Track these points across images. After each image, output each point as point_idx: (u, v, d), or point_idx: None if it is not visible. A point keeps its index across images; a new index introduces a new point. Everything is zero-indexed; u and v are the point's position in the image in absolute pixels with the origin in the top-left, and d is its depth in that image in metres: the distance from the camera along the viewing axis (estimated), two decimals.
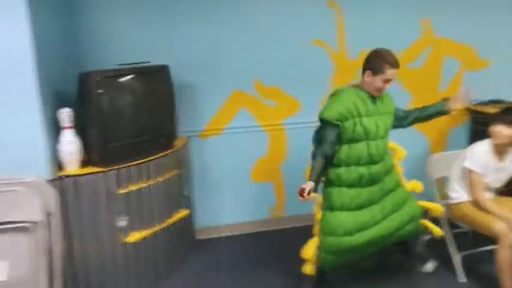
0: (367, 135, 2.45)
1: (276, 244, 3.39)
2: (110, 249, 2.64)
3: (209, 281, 2.92)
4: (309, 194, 2.34)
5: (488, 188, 2.68)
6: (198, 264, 3.13)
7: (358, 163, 2.47)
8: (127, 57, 2.78)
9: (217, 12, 3.19)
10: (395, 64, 2.39)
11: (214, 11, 3.18)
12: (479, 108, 3.47)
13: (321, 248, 2.52)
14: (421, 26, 3.47)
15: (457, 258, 2.79)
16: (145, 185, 2.73)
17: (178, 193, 3.07)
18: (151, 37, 3.12)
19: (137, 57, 2.81)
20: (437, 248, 2.90)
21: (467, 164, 2.62)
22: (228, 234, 3.56)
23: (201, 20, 3.18)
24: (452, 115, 3.59)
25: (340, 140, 2.46)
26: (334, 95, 2.55)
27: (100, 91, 2.52)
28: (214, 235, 3.54)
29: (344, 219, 2.46)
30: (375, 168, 2.51)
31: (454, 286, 2.72)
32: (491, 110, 3.26)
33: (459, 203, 2.71)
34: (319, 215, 2.58)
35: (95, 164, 2.61)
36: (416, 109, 2.78)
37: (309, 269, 2.58)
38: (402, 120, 2.72)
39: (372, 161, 2.49)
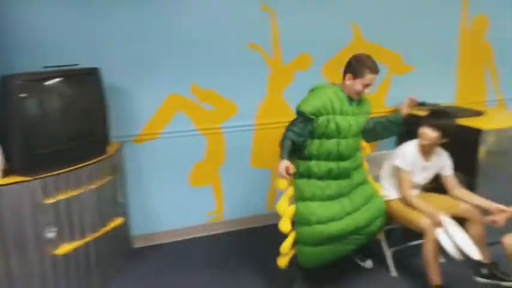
0: (338, 133, 2.53)
1: (215, 248, 3.37)
2: (38, 264, 2.48)
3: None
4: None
5: (415, 186, 2.85)
6: (135, 273, 3.03)
7: (327, 158, 2.56)
8: (55, 60, 2.64)
9: (152, 14, 3.10)
10: (375, 70, 2.51)
11: (148, 13, 3.09)
12: None
13: (297, 240, 2.57)
14: (352, 31, 3.61)
15: (388, 253, 2.94)
16: (75, 193, 2.59)
17: (112, 201, 2.95)
18: (81, 39, 2.96)
19: (67, 59, 2.67)
20: (370, 243, 3.01)
21: (397, 163, 2.77)
22: (167, 240, 3.48)
23: (135, 22, 3.08)
24: (381, 117, 3.83)
25: (312, 135, 2.53)
26: (314, 90, 2.62)
27: (23, 95, 2.36)
28: (152, 242, 3.44)
29: (316, 208, 2.54)
30: (344, 164, 2.60)
31: (386, 280, 2.86)
32: (417, 112, 3.47)
33: (389, 201, 2.85)
34: (290, 209, 2.57)
35: (18, 173, 2.43)
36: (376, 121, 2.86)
37: (282, 262, 2.61)
38: (371, 132, 2.81)
39: (341, 158, 2.58)
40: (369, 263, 3.02)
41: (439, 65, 3.93)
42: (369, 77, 2.50)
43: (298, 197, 2.61)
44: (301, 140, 2.53)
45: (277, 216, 3.64)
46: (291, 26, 3.42)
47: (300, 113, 2.51)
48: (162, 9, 3.12)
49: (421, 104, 3.70)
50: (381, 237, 2.94)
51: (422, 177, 2.85)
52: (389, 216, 2.88)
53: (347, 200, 2.66)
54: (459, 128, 2.82)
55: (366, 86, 2.52)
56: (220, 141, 3.48)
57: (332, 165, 2.56)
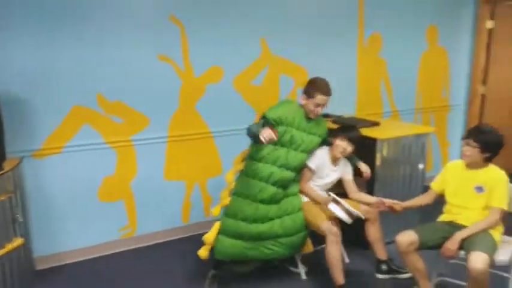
0: (291, 144, 2.82)
1: (128, 264, 3.26)
2: None
3: None
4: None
5: (323, 188, 3.05)
6: None
7: (274, 163, 2.80)
8: None
9: (54, 23, 2.94)
10: (326, 92, 2.80)
11: (51, 22, 2.93)
12: None
13: (220, 230, 2.82)
14: (260, 44, 3.75)
15: (297, 257, 3.07)
16: None
17: (10, 221, 2.72)
18: None
19: None
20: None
21: (307, 162, 2.96)
22: (74, 260, 3.29)
23: (35, 30, 2.90)
24: None
25: None
26: (283, 101, 3.04)
27: None
28: (58, 263, 3.23)
29: (246, 206, 2.80)
30: (286, 174, 2.83)
31: (296, 283, 2.99)
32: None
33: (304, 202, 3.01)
34: (227, 198, 2.88)
35: None
36: None
37: (203, 252, 2.81)
38: None
39: (286, 167, 2.82)
40: (301, 268, 3.09)
41: (341, 79, 4.21)
42: (319, 97, 2.79)
43: (236, 192, 2.88)
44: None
45: (194, 228, 3.67)
46: (201, 38, 3.45)
47: (264, 117, 2.80)
48: (68, 18, 2.98)
49: (326, 116, 3.95)
50: (305, 252, 3.05)
51: (330, 180, 3.06)
52: None
53: (276, 206, 2.84)
54: (362, 139, 3.09)
55: (317, 105, 2.81)
56: (131, 154, 3.39)
57: (275, 170, 2.80)
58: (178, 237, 3.66)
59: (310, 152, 2.93)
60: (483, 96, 5.01)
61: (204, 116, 3.61)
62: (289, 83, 3.93)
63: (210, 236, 2.81)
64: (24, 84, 2.93)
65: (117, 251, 3.45)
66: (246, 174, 2.88)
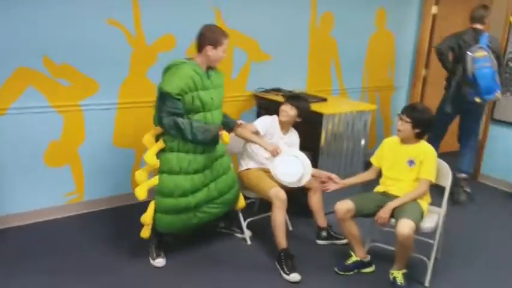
0: (203, 107, 2.69)
1: (74, 229, 3.25)
2: None
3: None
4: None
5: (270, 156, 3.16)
6: None
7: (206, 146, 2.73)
8: None
9: None
10: (227, 35, 2.72)
11: None
12: (264, 95, 4.00)
13: (157, 209, 2.75)
14: (214, 15, 3.74)
15: (243, 224, 3.20)
16: None
17: None
18: None
19: None
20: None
21: (255, 123, 3.08)
22: (18, 224, 3.23)
23: None
24: (242, 101, 4.08)
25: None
26: (171, 68, 2.65)
27: None
28: (3, 226, 3.17)
29: (181, 182, 2.70)
30: None
31: (241, 248, 3.13)
32: (274, 97, 3.81)
33: (246, 170, 3.13)
34: (154, 179, 2.73)
35: None
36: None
37: (145, 232, 2.80)
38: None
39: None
40: (244, 234, 3.21)
41: (292, 56, 4.32)
42: (226, 42, 2.70)
43: (165, 170, 2.72)
44: (181, 113, 2.62)
45: None
46: (154, 5, 3.41)
47: (165, 94, 2.57)
48: None
49: (277, 90, 4.06)
50: (238, 208, 3.18)
51: (280, 145, 3.11)
52: (244, 186, 3.14)
53: (209, 171, 2.84)
54: (311, 111, 3.23)
55: (225, 51, 2.73)
56: (79, 119, 3.34)
57: None
58: (126, 203, 3.67)
59: (221, 105, 2.88)
60: (424, 79, 5.31)
61: (155, 84, 3.58)
62: (242, 55, 3.98)
63: (147, 218, 2.76)
64: None
65: (63, 215, 3.42)
66: (171, 149, 2.72)
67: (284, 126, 3.17)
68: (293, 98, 3.20)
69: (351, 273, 2.84)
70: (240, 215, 3.20)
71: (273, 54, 4.18)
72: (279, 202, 2.85)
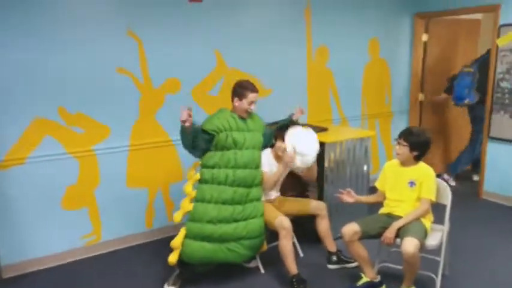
0: (235, 145, 3.04)
1: (93, 270, 3.37)
2: None
3: None
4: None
5: (278, 186, 3.36)
6: None
7: (226, 166, 3.03)
8: None
9: (16, 35, 3.07)
10: (254, 89, 3.10)
11: (9, 36, 3.05)
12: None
13: (186, 235, 3.00)
14: (215, 57, 3.98)
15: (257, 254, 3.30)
16: None
17: None
18: None
19: None
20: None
21: (263, 168, 3.21)
22: (39, 268, 3.37)
23: None
24: None
25: (216, 147, 3.05)
26: (216, 112, 3.15)
27: None
28: (24, 271, 3.31)
29: (210, 209, 2.99)
30: (240, 172, 3.03)
31: (256, 277, 3.23)
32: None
33: None
34: (189, 206, 3.05)
35: None
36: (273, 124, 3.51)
37: (173, 257, 2.99)
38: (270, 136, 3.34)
39: (237, 166, 3.04)
40: (252, 263, 3.34)
41: (292, 89, 4.54)
42: (251, 96, 3.07)
43: (198, 198, 3.05)
44: (201, 150, 3.07)
45: (157, 233, 3.82)
46: (158, 51, 3.65)
47: (203, 130, 3.01)
48: (27, 31, 3.11)
49: (275, 123, 4.22)
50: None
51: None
52: None
53: (240, 207, 3.03)
54: None
55: (251, 103, 3.08)
56: (93, 163, 3.52)
57: (229, 172, 3.01)
58: (142, 241, 3.81)
59: (254, 147, 3.13)
60: (421, 103, 5.50)
61: (164, 125, 3.80)
62: None
63: (177, 241, 2.98)
64: None
65: (82, 257, 3.55)
66: (205, 181, 3.06)
67: (278, 157, 3.29)
68: (284, 130, 3.30)
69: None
70: None
71: (274, 88, 4.39)
72: (284, 231, 2.98)
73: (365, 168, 3.91)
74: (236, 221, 3.01)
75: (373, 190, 3.24)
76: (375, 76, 5.19)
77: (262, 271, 3.28)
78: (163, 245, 3.60)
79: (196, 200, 3.06)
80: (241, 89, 3.08)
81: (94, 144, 3.51)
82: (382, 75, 5.28)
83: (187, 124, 2.83)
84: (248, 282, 3.15)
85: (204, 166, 3.09)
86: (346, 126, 5.01)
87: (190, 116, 2.83)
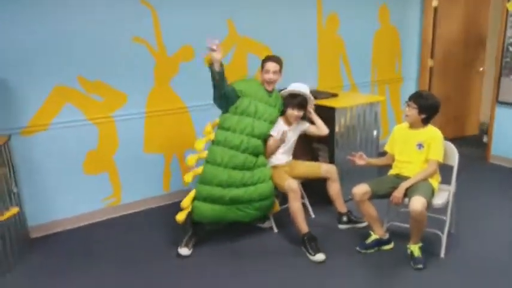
0: (255, 114, 3.16)
1: (115, 231, 3.55)
2: None
3: (52, 274, 2.94)
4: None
5: (288, 152, 3.47)
6: (34, 262, 3.10)
7: (242, 132, 3.12)
8: None
9: (35, 7, 3.14)
10: (271, 58, 3.27)
11: (29, 6, 3.12)
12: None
13: (196, 196, 3.11)
14: (227, 25, 4.04)
15: (270, 215, 3.46)
16: None
17: (6, 191, 2.97)
18: None
19: None
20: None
21: (271, 132, 3.32)
22: (64, 228, 3.57)
23: (14, 15, 3.09)
24: None
25: (235, 110, 3.13)
26: (248, 78, 3.41)
27: None
28: (49, 231, 3.51)
29: (220, 173, 3.08)
30: (254, 141, 3.14)
31: (271, 236, 3.39)
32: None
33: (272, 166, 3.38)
34: (199, 168, 3.14)
35: None
36: None
37: (181, 215, 3.10)
38: None
39: (252, 135, 3.14)
40: (266, 224, 3.50)
41: (303, 57, 4.59)
42: (267, 64, 3.22)
43: (209, 160, 3.13)
44: (228, 90, 3.08)
45: (174, 196, 3.97)
46: (172, 20, 3.72)
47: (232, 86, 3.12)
48: (45, 5, 3.18)
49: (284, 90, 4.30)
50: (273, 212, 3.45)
51: (289, 141, 3.40)
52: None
53: (249, 173, 3.14)
54: (310, 98, 3.43)
55: (267, 71, 3.21)
56: (112, 130, 3.66)
57: (244, 137, 3.11)
58: (160, 204, 3.99)
59: (271, 122, 3.25)
60: (431, 69, 5.52)
61: (178, 92, 3.90)
62: (256, 61, 4.23)
63: (186, 202, 3.09)
64: (8, 67, 3.14)
65: (103, 218, 3.74)
66: (217, 143, 3.14)
67: (288, 121, 3.38)
68: (293, 98, 3.33)
69: (372, 250, 3.07)
70: None
71: (284, 56, 4.40)
72: (293, 193, 3.12)
73: (375, 133, 4.01)
74: (246, 185, 3.12)
75: (382, 155, 3.34)
76: (385, 43, 5.21)
77: (276, 230, 3.44)
78: (180, 208, 3.78)
79: (206, 161, 3.14)
80: (262, 61, 3.27)
81: (112, 111, 3.63)
82: (392, 42, 5.29)
83: (217, 55, 2.86)
84: (263, 241, 3.32)
85: (220, 127, 3.18)
86: (356, 92, 5.07)
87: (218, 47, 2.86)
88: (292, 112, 3.31)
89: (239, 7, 4.04)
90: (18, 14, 3.11)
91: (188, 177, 3.11)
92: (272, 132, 3.32)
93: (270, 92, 3.27)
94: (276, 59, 3.26)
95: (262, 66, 3.25)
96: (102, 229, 3.59)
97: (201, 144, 3.16)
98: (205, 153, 3.16)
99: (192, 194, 3.13)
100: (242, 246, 3.24)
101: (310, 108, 3.46)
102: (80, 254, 3.19)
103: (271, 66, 3.21)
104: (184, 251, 3.11)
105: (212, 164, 3.12)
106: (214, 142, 3.17)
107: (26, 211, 3.34)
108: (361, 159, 3.19)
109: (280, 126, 3.36)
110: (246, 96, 3.16)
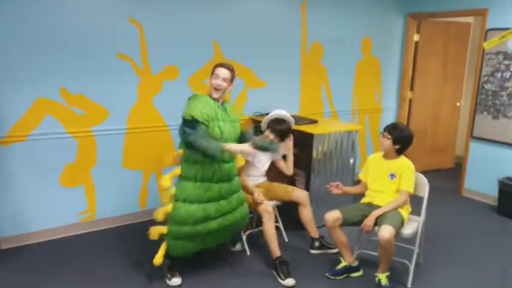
0: (222, 137, 2.81)
1: (87, 246, 3.52)
2: None
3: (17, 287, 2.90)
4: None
5: (261, 173, 3.53)
6: (2, 273, 3.05)
7: (212, 160, 2.78)
8: None
9: (23, 16, 3.18)
10: (223, 64, 2.90)
11: (19, 15, 3.17)
12: (260, 119, 4.32)
13: (169, 235, 2.86)
14: (213, 46, 4.12)
15: (244, 237, 3.49)
16: None
17: None
18: None
19: None
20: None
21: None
22: (36, 241, 3.53)
23: (4, 24, 3.13)
24: (240, 124, 4.41)
25: None
26: (194, 97, 2.84)
27: None
28: (21, 243, 3.47)
29: (194, 211, 2.82)
30: (226, 167, 2.93)
31: (243, 258, 3.40)
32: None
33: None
34: (169, 206, 2.85)
35: None
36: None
37: (157, 259, 2.88)
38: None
39: (224, 160, 2.88)
40: (238, 247, 3.52)
41: (286, 82, 4.70)
42: (217, 69, 2.86)
43: (180, 198, 2.84)
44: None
45: (150, 213, 3.95)
46: (159, 39, 3.79)
47: (192, 120, 2.70)
48: (36, 15, 3.23)
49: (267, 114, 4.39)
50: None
51: (263, 165, 3.51)
52: None
53: (226, 203, 2.98)
54: (292, 131, 3.54)
55: (216, 77, 2.84)
56: (91, 144, 3.67)
57: (216, 166, 2.85)
58: (136, 221, 3.98)
59: (237, 139, 3.01)
60: (410, 101, 5.69)
61: (160, 111, 3.94)
62: (239, 83, 4.33)
63: (158, 259, 2.88)
64: None
65: (77, 233, 3.71)
66: (187, 178, 2.86)
67: None
68: (277, 123, 3.43)
69: (341, 277, 3.11)
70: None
71: (268, 81, 4.54)
72: (267, 214, 3.16)
73: (351, 161, 4.09)
74: (222, 215, 2.98)
75: (358, 183, 3.41)
76: (367, 73, 5.36)
77: (248, 253, 3.46)
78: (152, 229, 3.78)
79: (176, 199, 2.85)
80: (214, 67, 2.91)
81: (93, 126, 3.65)
82: (374, 73, 5.45)
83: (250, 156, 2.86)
84: (236, 264, 3.32)
85: (185, 160, 2.87)
86: (336, 120, 5.18)
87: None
88: (270, 135, 3.37)
89: (226, 30, 4.13)
90: (3, 24, 3.14)
91: (159, 215, 2.85)
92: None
93: (220, 104, 2.91)
94: (229, 66, 2.91)
95: (212, 72, 2.89)
96: (75, 244, 3.55)
97: (167, 181, 2.87)
98: (179, 170, 2.89)
99: (162, 249, 2.90)
100: (213, 269, 3.24)
101: (290, 144, 3.51)
102: (48, 268, 3.15)
103: (222, 72, 2.85)
104: (175, 281, 2.97)
105: (183, 202, 2.84)
106: (183, 177, 2.87)
107: None
108: (337, 189, 3.24)
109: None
110: (210, 120, 2.79)
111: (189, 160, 2.85)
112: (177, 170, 2.90)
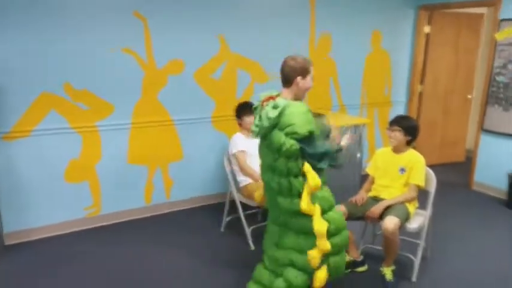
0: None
1: (92, 241, 3.53)
2: None
3: (21, 283, 2.91)
4: None
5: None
6: (7, 269, 3.07)
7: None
8: None
9: (26, 14, 3.19)
10: (312, 61, 2.55)
11: (23, 13, 3.17)
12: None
13: (333, 252, 2.42)
14: (219, 41, 4.09)
15: (247, 231, 3.46)
16: None
17: None
18: None
19: None
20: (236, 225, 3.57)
21: (233, 151, 3.37)
22: (41, 236, 3.54)
23: (9, 21, 3.13)
24: None
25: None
26: (290, 107, 2.37)
27: None
28: (26, 239, 3.48)
29: (334, 215, 2.45)
30: None
31: (247, 253, 3.37)
32: None
33: (246, 184, 3.39)
34: (324, 223, 2.37)
35: None
36: None
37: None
38: None
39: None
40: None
41: None
42: (312, 68, 2.50)
43: (328, 208, 2.42)
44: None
45: (155, 208, 3.94)
46: (164, 33, 3.76)
47: (311, 135, 2.35)
48: (37, 10, 3.23)
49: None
50: (242, 218, 3.45)
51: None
52: (246, 198, 3.42)
53: None
54: None
55: (312, 79, 2.51)
56: (96, 139, 3.67)
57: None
58: (141, 216, 3.97)
59: None
60: (420, 94, 5.58)
61: (165, 105, 3.93)
62: (246, 77, 4.30)
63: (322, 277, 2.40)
64: None
65: (82, 228, 3.72)
66: (323, 183, 2.43)
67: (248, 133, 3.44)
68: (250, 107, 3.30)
69: (346, 272, 3.05)
70: (244, 223, 3.46)
71: (275, 74, 4.47)
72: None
73: (358, 155, 4.03)
74: None
75: (366, 177, 3.34)
76: (376, 67, 5.27)
77: (252, 247, 3.43)
78: (160, 221, 3.78)
79: (324, 211, 2.40)
80: (302, 64, 2.47)
81: (97, 121, 3.65)
82: (383, 66, 5.36)
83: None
84: (239, 257, 3.29)
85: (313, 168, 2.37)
86: (344, 113, 5.11)
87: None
88: (247, 119, 3.38)
89: (232, 24, 4.09)
90: (8, 20, 3.15)
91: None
92: (234, 150, 3.41)
93: None
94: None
95: (306, 71, 2.48)
96: (80, 239, 3.56)
97: (307, 203, 2.33)
98: (317, 208, 2.35)
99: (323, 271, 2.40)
100: (221, 258, 3.22)
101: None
102: (52, 264, 3.16)
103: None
104: None
105: (329, 211, 2.43)
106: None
107: (2, 217, 3.32)
108: (361, 200, 3.05)
109: (241, 140, 3.44)
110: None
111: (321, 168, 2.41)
112: (318, 183, 2.33)
